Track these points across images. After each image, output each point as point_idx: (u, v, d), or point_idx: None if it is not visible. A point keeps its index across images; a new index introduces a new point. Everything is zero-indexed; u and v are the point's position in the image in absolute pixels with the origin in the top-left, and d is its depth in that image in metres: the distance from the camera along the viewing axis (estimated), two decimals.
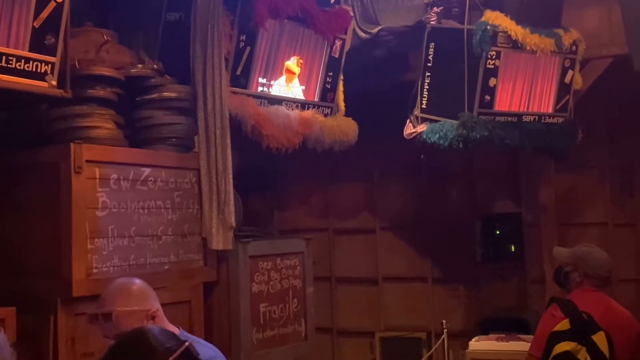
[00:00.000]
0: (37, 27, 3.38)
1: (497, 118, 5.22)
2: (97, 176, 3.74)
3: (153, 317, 2.58)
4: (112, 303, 2.55)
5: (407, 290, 6.69)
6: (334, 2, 5.16)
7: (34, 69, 3.40)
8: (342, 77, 5.22)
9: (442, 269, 6.61)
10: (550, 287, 4.49)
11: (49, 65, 3.45)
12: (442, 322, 5.74)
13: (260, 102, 4.66)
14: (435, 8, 5.31)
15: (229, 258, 4.48)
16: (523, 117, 5.37)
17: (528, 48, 5.15)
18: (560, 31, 5.31)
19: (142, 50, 4.38)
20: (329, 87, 5.14)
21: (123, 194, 3.86)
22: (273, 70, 4.77)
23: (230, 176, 4.29)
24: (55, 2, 3.42)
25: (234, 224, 4.30)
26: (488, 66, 5.07)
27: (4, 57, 3.26)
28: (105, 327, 2.55)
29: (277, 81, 4.78)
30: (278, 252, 4.87)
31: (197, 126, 4.30)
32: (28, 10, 3.34)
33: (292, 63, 4.83)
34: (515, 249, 6.22)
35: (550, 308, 3.47)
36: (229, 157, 4.28)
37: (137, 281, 2.68)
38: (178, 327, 2.73)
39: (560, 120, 5.54)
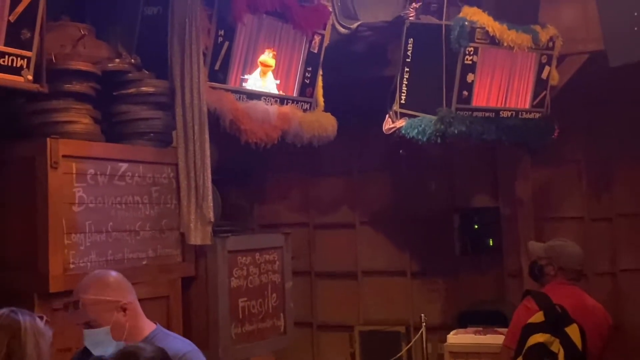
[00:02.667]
0: (12, 21, 3.34)
1: (475, 113, 5.26)
2: (74, 171, 3.70)
3: (124, 310, 2.61)
4: (84, 292, 2.62)
5: (387, 284, 6.74)
6: None
7: (9, 64, 3.37)
8: (321, 73, 5.22)
9: (421, 263, 6.66)
10: (528, 281, 4.54)
11: (25, 60, 3.42)
12: (421, 316, 5.80)
13: (239, 97, 4.65)
14: (413, 4, 5.33)
15: (208, 253, 4.48)
16: (500, 113, 5.41)
17: (505, 44, 5.18)
18: (537, 27, 5.36)
19: (120, 44, 4.34)
20: (307, 82, 5.14)
21: (100, 189, 3.84)
22: (252, 65, 4.77)
23: (209, 171, 4.28)
24: None
25: (212, 219, 4.29)
26: (466, 62, 5.09)
27: None
28: (74, 315, 2.64)
29: (252, 75, 4.77)
30: (257, 247, 4.87)
31: (175, 121, 4.28)
32: (3, 4, 3.30)
33: (267, 56, 4.82)
34: (493, 242, 6.28)
35: (524, 300, 3.53)
36: (207, 152, 4.27)
37: (113, 273, 2.74)
38: (155, 323, 2.74)
39: (537, 115, 5.59)
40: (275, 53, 4.86)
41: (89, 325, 2.60)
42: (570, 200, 6.36)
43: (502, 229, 6.19)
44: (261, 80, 4.85)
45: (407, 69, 5.27)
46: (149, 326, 2.69)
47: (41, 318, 2.40)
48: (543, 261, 3.63)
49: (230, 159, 5.23)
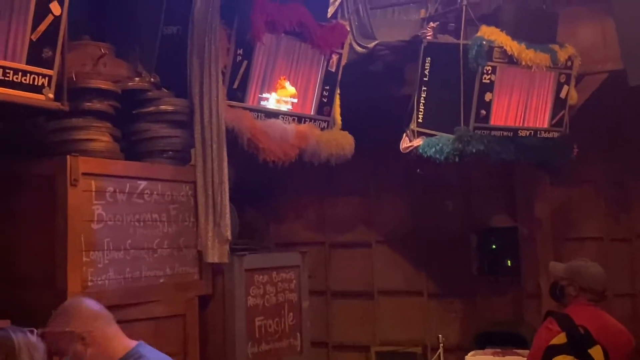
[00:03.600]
0: (34, 40, 3.38)
1: (493, 132, 5.24)
2: (93, 189, 3.73)
3: (82, 338, 2.58)
4: (48, 324, 2.62)
5: (403, 304, 6.69)
6: (331, 16, 5.19)
7: (31, 82, 3.40)
8: (338, 91, 5.23)
9: (438, 283, 6.61)
10: (547, 302, 4.48)
11: (46, 78, 3.45)
12: (438, 337, 5.72)
13: (257, 116, 4.67)
14: (431, 23, 5.36)
15: (225, 271, 4.47)
16: (519, 132, 5.39)
17: (524, 63, 5.17)
18: (556, 47, 5.34)
19: (139, 63, 4.37)
20: (325, 100, 5.16)
21: (119, 207, 3.85)
22: (270, 84, 4.79)
23: (227, 189, 4.30)
24: (53, 15, 3.43)
25: (229, 237, 4.29)
26: (484, 81, 5.09)
27: (1, 70, 3.26)
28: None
29: (272, 94, 4.80)
30: (274, 266, 4.86)
31: (194, 139, 4.30)
32: (25, 23, 3.35)
33: (287, 89, 4.83)
34: (511, 263, 6.22)
35: (546, 322, 3.48)
36: (225, 170, 4.29)
37: (85, 302, 2.69)
38: (138, 342, 2.68)
39: (556, 135, 5.56)
40: (285, 79, 4.87)
41: (58, 354, 2.62)
42: (590, 221, 6.29)
43: (521, 249, 6.13)
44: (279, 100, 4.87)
45: (425, 88, 5.27)
46: (123, 349, 2.62)
47: (32, 332, 2.42)
48: (564, 282, 3.58)
49: (248, 177, 5.23)
